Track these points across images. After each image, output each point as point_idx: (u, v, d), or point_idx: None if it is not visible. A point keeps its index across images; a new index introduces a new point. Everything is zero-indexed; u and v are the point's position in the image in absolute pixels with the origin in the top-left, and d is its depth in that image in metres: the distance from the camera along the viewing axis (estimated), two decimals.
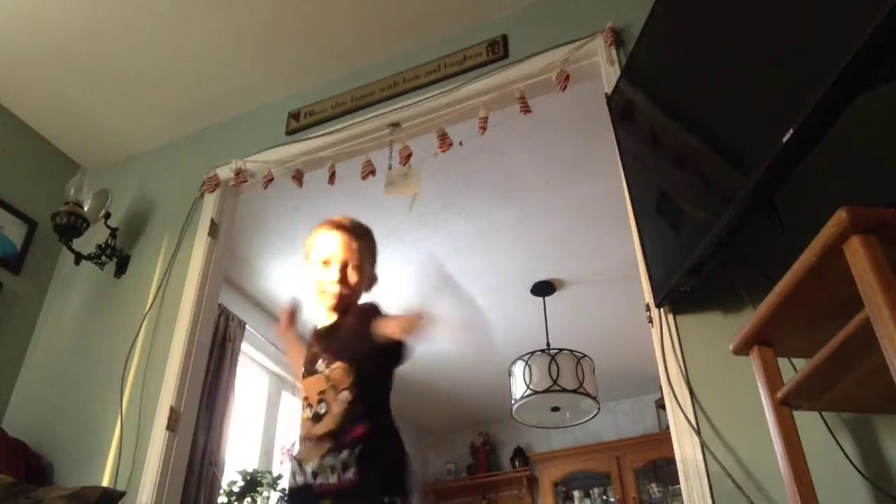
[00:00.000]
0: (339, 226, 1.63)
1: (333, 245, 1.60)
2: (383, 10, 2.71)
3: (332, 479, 1.39)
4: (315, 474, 1.43)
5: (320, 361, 1.52)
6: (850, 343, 1.07)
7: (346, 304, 1.58)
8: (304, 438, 1.49)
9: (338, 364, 1.49)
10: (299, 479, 1.46)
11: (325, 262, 1.59)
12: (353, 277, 1.58)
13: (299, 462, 1.48)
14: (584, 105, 2.84)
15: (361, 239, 1.64)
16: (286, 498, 1.53)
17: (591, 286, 4.24)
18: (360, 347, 1.49)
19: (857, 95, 1.13)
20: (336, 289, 1.57)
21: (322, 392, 1.48)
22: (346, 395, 1.45)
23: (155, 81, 2.99)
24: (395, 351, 1.48)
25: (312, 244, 1.65)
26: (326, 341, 1.56)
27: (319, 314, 1.64)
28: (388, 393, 1.53)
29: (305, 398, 1.53)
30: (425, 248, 3.85)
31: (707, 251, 1.52)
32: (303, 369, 1.59)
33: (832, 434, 1.41)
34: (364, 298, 1.65)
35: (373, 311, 1.53)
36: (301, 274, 1.69)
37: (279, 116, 3.00)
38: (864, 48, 1.05)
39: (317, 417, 1.47)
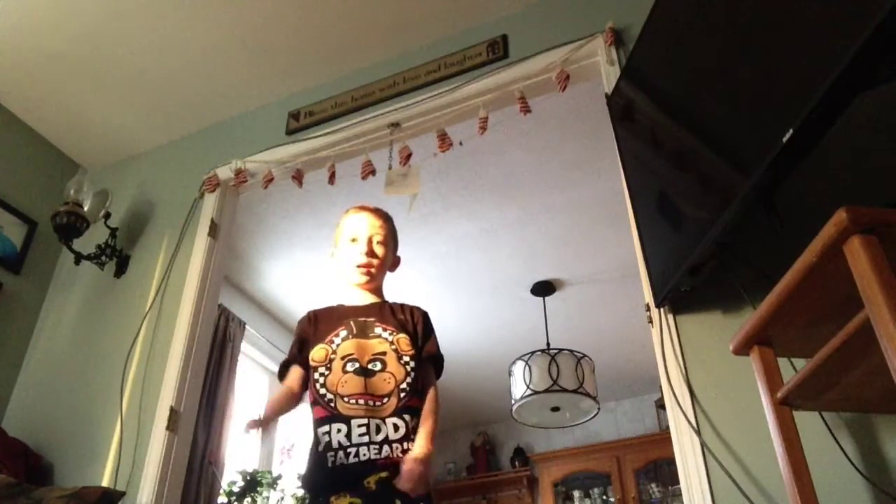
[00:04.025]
0: (364, 208, 1.80)
1: (360, 223, 1.75)
2: (383, 11, 2.71)
3: (386, 450, 1.44)
4: (366, 433, 1.45)
5: (380, 329, 1.60)
6: (850, 343, 1.07)
7: (373, 275, 1.70)
8: (353, 395, 1.50)
9: (402, 335, 1.59)
10: (342, 441, 1.45)
11: (353, 240, 1.72)
12: (379, 250, 1.72)
13: (346, 419, 1.47)
14: (584, 105, 2.84)
15: (384, 220, 1.78)
16: (316, 462, 1.48)
17: (591, 286, 4.24)
18: (415, 335, 1.62)
19: (857, 95, 1.13)
20: (364, 259, 1.69)
21: (381, 353, 1.55)
22: (411, 362, 1.55)
23: (155, 81, 3.00)
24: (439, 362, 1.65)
25: (341, 228, 1.78)
26: (380, 314, 1.64)
27: (348, 294, 1.72)
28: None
29: (349, 358, 1.54)
30: (426, 249, 3.85)
31: (707, 251, 1.52)
32: (338, 335, 1.60)
33: (832, 434, 1.41)
34: (389, 279, 1.77)
35: (427, 317, 1.69)
36: (331, 262, 1.80)
37: (279, 116, 3.00)
38: (864, 48, 1.05)
39: (367, 373, 1.52)
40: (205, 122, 3.22)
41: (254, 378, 4.33)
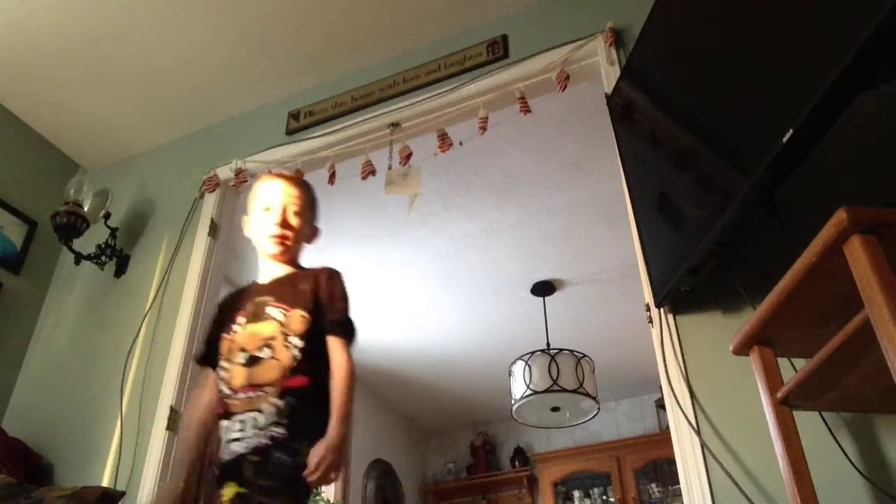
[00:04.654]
0: (280, 175, 1.72)
1: (274, 191, 1.65)
2: (383, 11, 2.71)
3: (262, 436, 1.37)
4: (242, 429, 1.39)
5: (272, 308, 1.50)
6: (850, 343, 1.07)
7: (288, 246, 1.61)
8: (239, 388, 1.43)
9: (296, 312, 1.48)
10: (225, 438, 1.41)
11: (266, 209, 1.63)
12: (294, 220, 1.62)
13: (230, 415, 1.42)
14: (585, 105, 2.84)
15: (301, 188, 1.68)
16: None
17: (591, 286, 4.24)
18: (317, 304, 1.49)
19: (857, 95, 1.13)
20: (277, 231, 1.59)
21: (271, 338, 1.46)
22: (297, 342, 1.44)
23: (155, 81, 3.00)
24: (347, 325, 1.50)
25: (254, 195, 1.69)
26: (280, 290, 1.55)
27: (262, 266, 1.64)
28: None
29: (241, 349, 1.47)
30: (426, 249, 3.85)
31: (707, 251, 1.52)
32: (237, 322, 1.53)
33: (832, 434, 1.41)
34: (309, 251, 1.67)
35: (335, 277, 1.55)
36: (244, 231, 1.71)
37: (279, 116, 3.00)
38: (864, 48, 1.05)
39: (253, 361, 1.44)
40: (205, 122, 3.22)
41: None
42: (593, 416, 4.09)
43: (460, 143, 2.57)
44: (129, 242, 3.02)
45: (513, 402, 3.94)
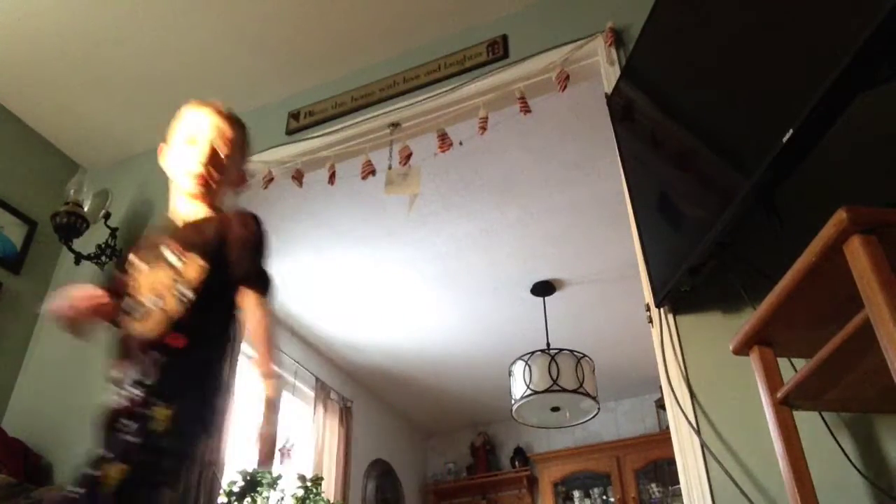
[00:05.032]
0: (212, 106, 1.51)
1: (202, 124, 1.47)
2: (383, 11, 2.71)
3: (122, 397, 1.22)
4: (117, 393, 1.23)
5: (170, 253, 1.33)
6: (850, 343, 1.07)
7: (210, 189, 1.43)
8: (134, 345, 1.27)
9: (195, 259, 1.30)
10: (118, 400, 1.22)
11: (191, 141, 1.45)
12: (221, 161, 1.44)
13: (120, 380, 1.25)
14: (585, 105, 2.84)
15: (236, 129, 1.50)
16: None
17: (591, 286, 4.24)
18: (222, 252, 1.32)
19: (857, 95, 1.13)
20: (201, 169, 1.42)
21: (163, 286, 1.29)
22: (188, 293, 1.27)
23: (155, 81, 3.00)
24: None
25: (177, 123, 1.50)
26: (185, 233, 1.39)
27: (175, 202, 1.49)
28: (229, 318, 1.35)
29: (140, 301, 1.31)
30: (426, 249, 3.85)
31: (707, 251, 1.52)
32: (141, 269, 1.37)
33: (832, 434, 1.41)
34: (231, 197, 1.52)
35: (248, 222, 1.36)
36: (159, 159, 1.53)
37: (279, 116, 3.00)
38: (864, 48, 1.05)
39: (140, 314, 1.28)
40: None
41: (254, 378, 4.32)
42: (593, 416, 4.09)
43: (460, 143, 2.57)
44: (129, 242, 3.02)
45: (513, 402, 3.94)
